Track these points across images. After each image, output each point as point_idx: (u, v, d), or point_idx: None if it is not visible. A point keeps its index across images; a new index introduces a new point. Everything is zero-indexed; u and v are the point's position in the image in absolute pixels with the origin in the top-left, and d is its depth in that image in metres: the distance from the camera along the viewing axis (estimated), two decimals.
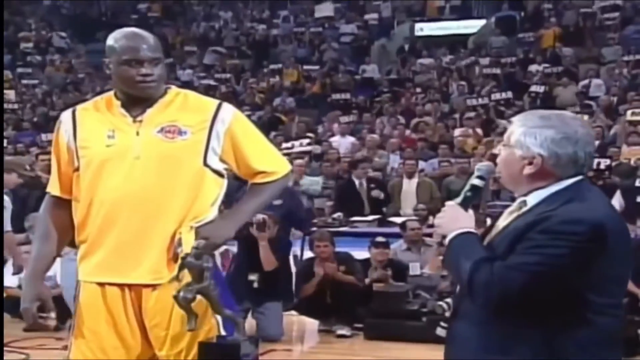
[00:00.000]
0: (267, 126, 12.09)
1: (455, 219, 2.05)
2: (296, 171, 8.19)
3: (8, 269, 6.47)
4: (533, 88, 13.18)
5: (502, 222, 2.08)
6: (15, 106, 15.52)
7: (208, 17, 20.80)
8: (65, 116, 2.52)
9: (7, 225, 5.97)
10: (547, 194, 1.99)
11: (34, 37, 19.76)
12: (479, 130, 11.76)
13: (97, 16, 20.54)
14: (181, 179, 2.39)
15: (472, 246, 2.01)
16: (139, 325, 2.41)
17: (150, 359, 2.47)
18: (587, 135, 2.03)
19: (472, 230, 2.05)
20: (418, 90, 14.68)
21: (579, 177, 2.01)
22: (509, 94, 12.95)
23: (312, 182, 9.58)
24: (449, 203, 2.10)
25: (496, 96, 12.96)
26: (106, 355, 2.42)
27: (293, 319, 6.63)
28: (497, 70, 14.51)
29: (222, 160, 2.47)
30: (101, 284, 2.41)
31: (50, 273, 6.35)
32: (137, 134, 2.41)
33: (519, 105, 12.85)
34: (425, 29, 18.58)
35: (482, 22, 18.26)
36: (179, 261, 2.21)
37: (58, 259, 4.95)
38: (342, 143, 11.83)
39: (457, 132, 11.84)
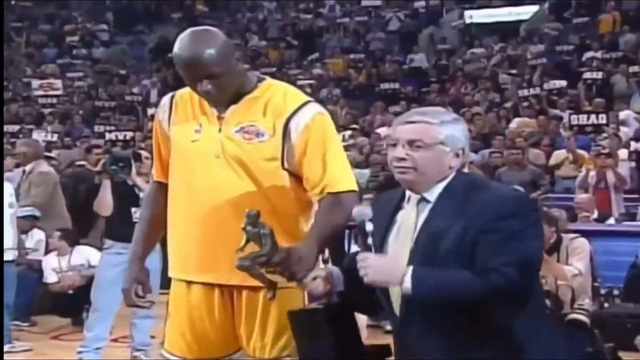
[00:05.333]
0: None
1: (386, 265, 2.00)
2: None
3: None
4: (588, 75, 12.74)
5: (409, 222, 2.04)
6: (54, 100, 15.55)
7: (252, 7, 20.67)
8: (164, 102, 2.48)
9: None
10: (442, 186, 2.03)
11: (79, 30, 19.93)
12: (532, 120, 11.35)
13: (141, 9, 20.63)
14: (258, 182, 2.30)
15: (439, 273, 1.94)
16: (226, 320, 2.39)
17: (236, 352, 2.47)
18: None
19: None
20: (467, 79, 14.31)
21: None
22: (562, 83, 12.54)
23: (360, 175, 9.28)
24: (362, 256, 2.01)
25: (549, 85, 12.57)
26: (195, 347, 2.43)
27: None
28: (551, 58, 14.01)
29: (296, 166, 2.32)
30: (187, 281, 2.41)
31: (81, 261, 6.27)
32: (220, 131, 2.33)
33: (573, 94, 12.43)
34: (475, 16, 18.11)
35: (535, 8, 17.69)
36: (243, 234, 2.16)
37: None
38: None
39: (515, 123, 11.43)
